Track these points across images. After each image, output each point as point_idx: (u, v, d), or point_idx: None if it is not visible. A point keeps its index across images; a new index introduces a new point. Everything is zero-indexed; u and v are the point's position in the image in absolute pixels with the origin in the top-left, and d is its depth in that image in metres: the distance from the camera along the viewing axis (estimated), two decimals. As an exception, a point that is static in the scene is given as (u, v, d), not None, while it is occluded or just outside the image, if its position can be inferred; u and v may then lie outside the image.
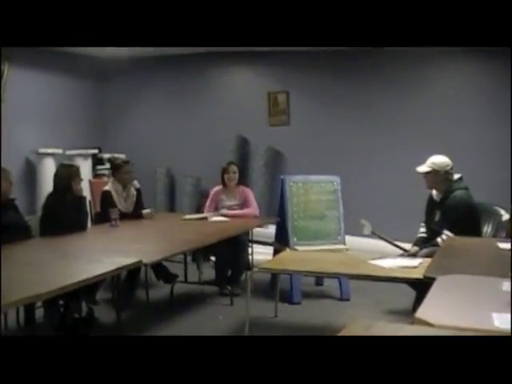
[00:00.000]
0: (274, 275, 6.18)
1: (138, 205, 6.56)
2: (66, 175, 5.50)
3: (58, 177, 5.54)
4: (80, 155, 8.91)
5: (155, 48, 7.93)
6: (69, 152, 8.83)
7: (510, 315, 2.49)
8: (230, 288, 6.30)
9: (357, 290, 6.30)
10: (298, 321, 5.59)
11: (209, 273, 6.86)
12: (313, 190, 6.68)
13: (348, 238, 6.68)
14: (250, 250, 6.81)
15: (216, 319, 5.64)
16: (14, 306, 4.10)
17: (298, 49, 7.88)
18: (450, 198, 5.31)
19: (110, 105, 10.01)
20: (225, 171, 6.85)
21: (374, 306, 5.98)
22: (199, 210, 6.94)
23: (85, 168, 8.33)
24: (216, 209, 6.82)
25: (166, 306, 6.14)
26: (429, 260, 4.32)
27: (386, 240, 5.71)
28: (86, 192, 6.44)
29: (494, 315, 2.54)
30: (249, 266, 6.60)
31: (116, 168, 6.54)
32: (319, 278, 6.78)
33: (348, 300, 6.26)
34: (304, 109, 8.72)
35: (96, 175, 9.16)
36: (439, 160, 5.41)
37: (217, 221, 6.47)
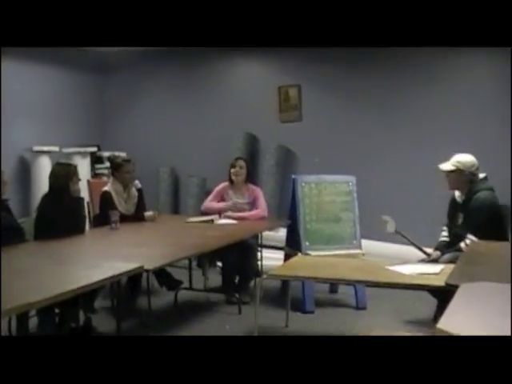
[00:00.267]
0: (285, 282, 6.16)
1: (140, 206, 6.56)
2: (63, 175, 5.49)
3: (54, 176, 5.53)
4: (78, 153, 8.92)
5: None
6: (66, 150, 8.84)
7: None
8: (237, 296, 6.29)
9: (374, 298, 6.27)
10: (311, 331, 5.57)
11: (215, 279, 6.85)
12: (326, 190, 6.66)
13: (364, 242, 6.66)
14: (259, 254, 6.80)
15: (223, 329, 5.62)
16: (5, 316, 4.08)
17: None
18: (474, 200, 5.27)
19: (110, 99, 10.02)
20: (232, 166, 6.86)
21: (393, 315, 5.96)
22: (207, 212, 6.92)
23: (83, 167, 8.34)
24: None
25: (170, 315, 6.14)
26: (451, 266, 4.29)
27: (410, 241, 5.66)
28: (84, 193, 6.44)
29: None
30: (258, 272, 6.58)
31: (116, 167, 6.54)
32: (333, 285, 6.76)
33: (364, 309, 6.23)
34: (317, 104, 8.70)
35: (95, 175, 9.17)
36: (465, 159, 5.37)
37: (224, 223, 6.46)
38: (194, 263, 6.90)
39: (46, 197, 5.48)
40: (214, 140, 9.18)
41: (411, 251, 5.76)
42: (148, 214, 6.54)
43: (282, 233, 7.26)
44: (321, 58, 8.42)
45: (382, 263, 4.93)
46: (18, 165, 8.66)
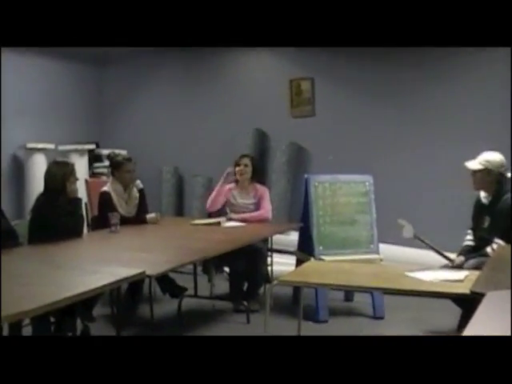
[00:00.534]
0: (297, 289, 6.15)
1: (142, 208, 6.57)
2: (59, 174, 5.49)
3: (49, 176, 5.53)
4: (75, 151, 8.95)
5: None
6: (62, 147, 8.86)
7: None
8: (246, 303, 6.28)
9: (392, 306, 6.26)
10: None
11: (222, 286, 6.85)
12: (341, 191, 6.65)
13: (382, 247, 6.65)
14: (268, 259, 6.79)
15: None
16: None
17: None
18: (502, 202, 5.24)
19: (110, 94, 10.04)
20: (236, 165, 6.86)
21: (413, 325, 5.94)
22: (211, 214, 6.92)
23: (80, 166, 8.36)
24: (224, 205, 6.83)
25: (173, 324, 6.14)
26: (477, 273, 4.26)
27: (430, 246, 5.63)
28: (82, 193, 6.44)
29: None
30: (268, 279, 6.58)
31: (116, 166, 6.54)
32: (349, 292, 6.75)
33: (382, 318, 6.22)
34: (331, 98, 8.68)
35: (93, 174, 9.20)
36: (494, 158, 5.33)
37: (231, 226, 6.45)
38: (200, 269, 6.89)
39: (41, 197, 5.48)
40: (220, 137, 9.18)
41: (432, 256, 5.73)
42: (150, 216, 6.54)
43: (293, 236, 7.25)
44: (335, 49, 8.40)
45: (401, 269, 4.90)
46: (10, 163, 8.69)
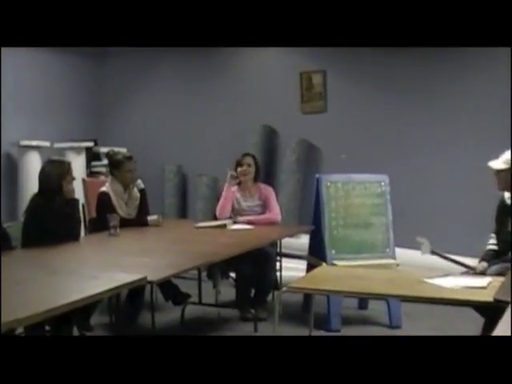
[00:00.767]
0: (308, 296, 6.14)
1: (142, 209, 6.56)
2: (55, 173, 5.49)
3: (44, 175, 5.53)
4: (71, 149, 8.95)
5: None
6: (58, 145, 8.87)
7: None
8: (253, 311, 6.28)
9: (410, 314, 6.25)
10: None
11: (228, 292, 6.84)
12: (355, 191, 6.64)
13: (398, 251, 6.63)
14: (278, 264, 6.78)
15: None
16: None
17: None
18: (528, 202, 5.24)
19: (109, 88, 10.05)
20: (238, 165, 6.83)
21: (431, 334, 5.92)
22: (216, 216, 6.91)
23: (77, 164, 8.36)
24: (232, 211, 6.82)
25: (176, 333, 6.13)
26: (501, 279, 4.26)
27: (451, 260, 5.63)
28: (79, 194, 6.44)
29: None
30: (277, 285, 6.57)
31: (116, 165, 6.54)
32: (363, 300, 6.74)
33: (399, 327, 6.22)
34: (344, 92, 8.68)
35: (91, 173, 9.20)
36: None
37: (238, 229, 6.44)
38: (204, 274, 6.89)
39: (35, 198, 5.48)
40: (226, 134, 9.18)
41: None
42: (152, 218, 6.54)
43: (304, 240, 7.25)
44: (349, 40, 8.38)
45: (420, 275, 4.89)
46: (3, 162, 8.69)
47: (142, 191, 6.62)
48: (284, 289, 5.09)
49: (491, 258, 5.38)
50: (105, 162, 8.52)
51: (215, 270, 6.70)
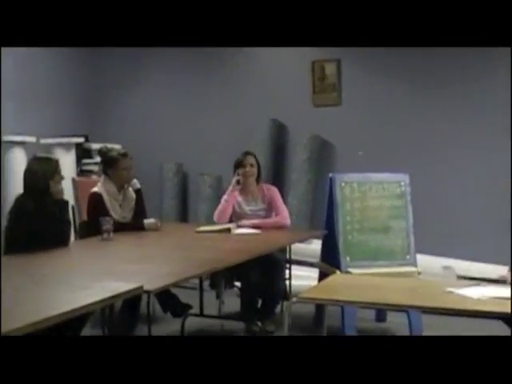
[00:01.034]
0: (320, 307, 6.15)
1: (139, 212, 6.58)
2: (41, 172, 5.51)
3: (30, 174, 5.55)
4: (60, 145, 8.95)
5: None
6: (45, 140, 8.88)
7: None
8: (260, 324, 6.29)
9: (432, 327, 6.24)
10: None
11: (232, 303, 6.85)
12: (372, 192, 6.64)
13: (420, 258, 6.63)
14: (287, 272, 6.79)
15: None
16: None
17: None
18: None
19: (103, 79, 10.06)
20: (239, 165, 6.82)
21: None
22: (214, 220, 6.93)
23: (67, 162, 8.38)
24: (232, 215, 6.83)
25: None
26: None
27: (479, 279, 5.63)
28: (69, 194, 6.46)
29: None
30: (286, 295, 6.58)
31: (109, 163, 6.55)
32: (381, 311, 6.74)
33: (420, 341, 6.20)
34: (361, 83, 8.67)
35: (82, 172, 9.21)
36: None
37: (244, 233, 6.45)
38: (206, 283, 6.90)
39: (20, 199, 5.50)
40: (231, 129, 9.19)
41: (477, 269, 5.72)
42: (149, 221, 6.54)
43: (315, 245, 7.26)
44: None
45: (443, 284, 4.89)
46: (-15, 160, 8.70)
47: (138, 192, 6.63)
48: (294, 299, 5.11)
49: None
50: (97, 159, 8.54)
51: (218, 279, 6.71)
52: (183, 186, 9.66)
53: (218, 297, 6.74)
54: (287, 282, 6.79)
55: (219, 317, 6.67)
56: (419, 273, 6.37)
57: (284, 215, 6.80)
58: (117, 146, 7.83)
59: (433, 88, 8.27)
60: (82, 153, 9.43)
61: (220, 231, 6.49)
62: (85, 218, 6.61)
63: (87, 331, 5.51)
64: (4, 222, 5.50)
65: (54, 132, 9.08)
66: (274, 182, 7.46)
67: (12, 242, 5.29)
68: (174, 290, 6.04)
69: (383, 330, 6.57)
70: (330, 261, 6.47)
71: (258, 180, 6.92)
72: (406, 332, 6.28)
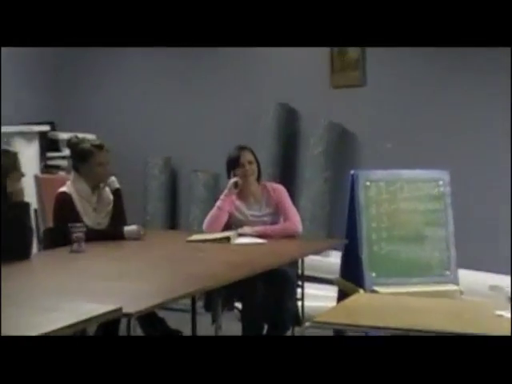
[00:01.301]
0: (339, 333, 6.14)
1: (117, 217, 6.57)
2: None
3: (-17, 170, 5.56)
4: (20, 134, 8.95)
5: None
6: (2, 129, 8.87)
7: None
8: (266, 355, 6.27)
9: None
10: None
11: (232, 329, 6.84)
12: (404, 193, 6.65)
13: (462, 274, 6.62)
14: (299, 291, 6.78)
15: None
16: None
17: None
18: None
19: (73, 56, 10.05)
20: (235, 164, 6.78)
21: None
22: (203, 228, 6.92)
23: (28, 155, 8.39)
24: (228, 223, 6.81)
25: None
26: None
27: None
28: (31, 195, 6.45)
29: None
30: (298, 319, 6.57)
31: (81, 156, 6.54)
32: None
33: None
34: (388, 61, 8.64)
35: (47, 167, 9.21)
36: None
37: (246, 243, 6.44)
38: (200, 304, 6.88)
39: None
40: (230, 117, 9.19)
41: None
42: (130, 228, 6.53)
43: (334, 258, 7.26)
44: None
45: (490, 306, 4.89)
46: None
47: (116, 192, 6.62)
48: (307, 324, 5.12)
49: None
50: (66, 152, 8.53)
51: (215, 299, 6.69)
52: (172, 185, 9.67)
53: (215, 321, 6.70)
54: (299, 303, 6.78)
55: (216, 345, 6.66)
56: (461, 292, 6.36)
57: (294, 221, 6.77)
58: (90, 136, 7.84)
59: (477, 69, 8.22)
60: (48, 144, 9.44)
61: (217, 240, 6.47)
62: (50, 224, 6.59)
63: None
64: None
65: (14, 119, 9.09)
66: (283, 181, 7.46)
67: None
68: (161, 313, 6.04)
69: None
70: (351, 277, 6.48)
71: (258, 179, 6.87)
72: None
